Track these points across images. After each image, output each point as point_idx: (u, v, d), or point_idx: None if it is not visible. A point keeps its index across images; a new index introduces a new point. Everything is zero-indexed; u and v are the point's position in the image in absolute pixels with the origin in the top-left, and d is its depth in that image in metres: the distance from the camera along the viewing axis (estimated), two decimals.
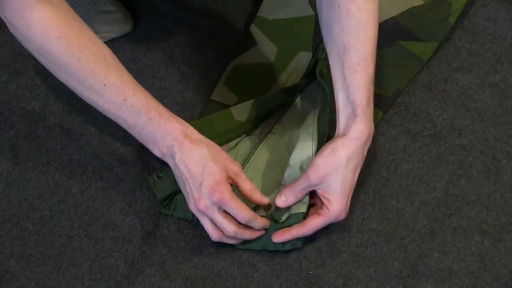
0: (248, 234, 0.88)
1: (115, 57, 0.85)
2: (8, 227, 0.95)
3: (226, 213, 0.86)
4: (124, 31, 1.09)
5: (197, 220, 0.92)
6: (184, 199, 0.90)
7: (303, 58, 1.05)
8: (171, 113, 0.87)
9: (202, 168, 0.84)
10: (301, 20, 1.08)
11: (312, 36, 1.06)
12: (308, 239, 0.93)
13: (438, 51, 1.07)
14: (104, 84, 0.82)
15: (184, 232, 0.94)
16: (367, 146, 0.88)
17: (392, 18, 1.07)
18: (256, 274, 0.91)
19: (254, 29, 1.08)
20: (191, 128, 0.87)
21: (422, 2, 1.08)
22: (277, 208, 0.90)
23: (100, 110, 0.85)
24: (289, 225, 0.90)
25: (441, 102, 1.03)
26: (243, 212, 0.85)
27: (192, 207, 0.87)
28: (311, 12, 1.08)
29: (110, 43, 1.08)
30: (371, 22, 0.86)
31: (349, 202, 0.88)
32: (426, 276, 0.91)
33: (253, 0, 1.13)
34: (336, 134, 0.89)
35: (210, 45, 1.09)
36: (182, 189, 0.88)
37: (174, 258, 0.93)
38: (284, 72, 1.04)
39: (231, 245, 0.92)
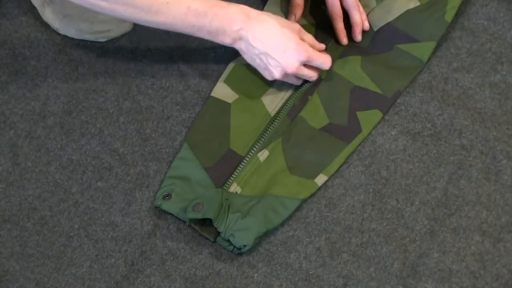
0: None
1: None
2: (8, 227, 0.95)
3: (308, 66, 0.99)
4: (124, 30, 1.09)
5: (190, 221, 0.93)
6: (180, 193, 0.94)
7: None
8: (225, 2, 0.94)
9: (279, 37, 0.94)
10: (302, 26, 1.08)
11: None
12: (307, 239, 0.93)
13: (438, 51, 1.07)
14: (167, 2, 0.90)
15: (184, 232, 0.94)
16: None
17: (387, 24, 1.07)
18: (256, 274, 0.91)
19: None
20: (246, 7, 0.95)
21: (418, 3, 1.08)
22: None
23: (166, 28, 0.93)
24: (231, 245, 0.92)
25: (441, 102, 1.03)
26: (327, 59, 0.99)
27: (277, 75, 0.97)
28: (312, 21, 1.09)
29: (110, 42, 1.09)
30: None
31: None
32: (426, 276, 0.91)
33: (252, 0, 1.13)
34: None
35: (210, 45, 1.09)
36: (258, 65, 0.97)
37: (174, 258, 0.93)
38: None
39: None
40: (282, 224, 0.94)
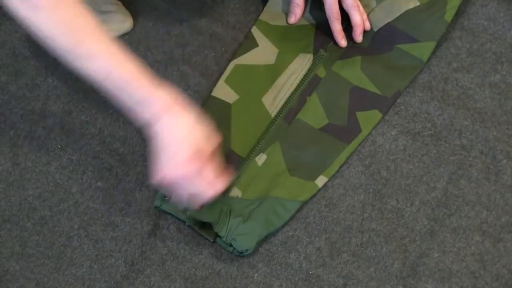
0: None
1: (104, 27, 0.83)
2: (8, 227, 0.95)
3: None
4: (124, 30, 1.09)
5: (190, 222, 0.93)
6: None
7: (304, 60, 1.05)
8: (159, 82, 0.85)
9: (183, 139, 0.84)
10: (302, 27, 1.08)
11: (312, 39, 1.07)
12: (307, 239, 0.93)
13: (438, 51, 1.07)
14: (94, 52, 0.81)
15: (184, 232, 0.94)
16: None
17: (387, 24, 1.07)
18: (256, 274, 0.91)
19: (255, 31, 1.08)
20: (176, 97, 0.85)
21: (418, 3, 1.08)
22: None
23: (87, 78, 0.83)
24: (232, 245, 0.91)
25: (441, 102, 1.03)
26: (211, 191, 0.87)
27: (158, 176, 0.84)
28: (312, 21, 1.09)
29: None
30: None
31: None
32: (426, 276, 0.91)
33: (252, 0, 1.13)
34: None
35: (210, 45, 1.09)
36: (161, 156, 0.85)
37: (174, 258, 0.93)
38: (285, 72, 1.04)
39: None
40: (282, 224, 0.94)
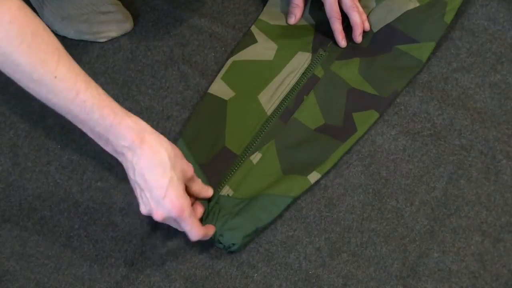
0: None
1: (65, 50, 0.78)
2: (8, 227, 0.95)
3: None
4: (124, 30, 1.09)
5: None
6: None
7: (302, 58, 1.05)
8: (126, 111, 0.81)
9: (163, 179, 0.81)
10: (302, 27, 1.09)
11: (312, 39, 1.07)
12: (307, 239, 0.93)
13: (438, 51, 1.07)
14: (55, 76, 0.75)
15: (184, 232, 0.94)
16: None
17: (387, 25, 1.07)
18: (256, 274, 0.92)
19: (255, 29, 1.09)
20: (147, 127, 0.83)
21: (417, 4, 1.08)
22: None
23: (48, 104, 0.79)
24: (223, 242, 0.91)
25: (441, 102, 1.03)
26: (197, 231, 0.86)
27: (143, 212, 0.84)
28: (312, 21, 1.09)
29: (110, 43, 1.09)
30: None
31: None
32: (426, 276, 0.91)
33: (252, 0, 1.13)
34: None
35: (210, 45, 1.09)
36: (133, 187, 0.84)
37: (174, 258, 0.93)
38: (283, 70, 1.04)
39: None
40: (282, 224, 0.94)
